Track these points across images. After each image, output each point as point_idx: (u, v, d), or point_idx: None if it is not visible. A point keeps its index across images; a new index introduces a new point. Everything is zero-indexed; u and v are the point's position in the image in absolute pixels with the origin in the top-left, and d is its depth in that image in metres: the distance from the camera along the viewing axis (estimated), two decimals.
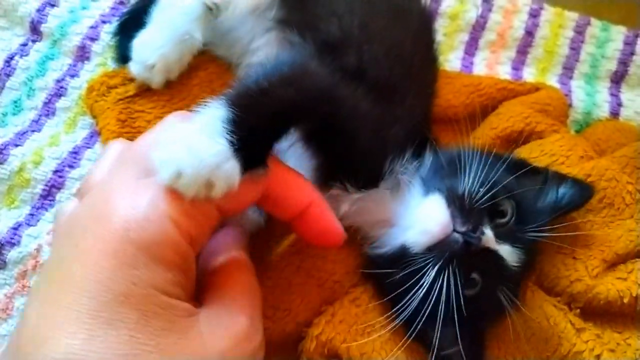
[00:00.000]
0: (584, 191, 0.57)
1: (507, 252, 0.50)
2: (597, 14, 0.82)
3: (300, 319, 0.59)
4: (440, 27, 0.80)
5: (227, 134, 0.40)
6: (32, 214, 0.66)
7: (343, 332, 0.56)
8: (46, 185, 0.68)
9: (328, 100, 0.50)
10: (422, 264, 0.49)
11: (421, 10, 0.69)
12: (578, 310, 0.55)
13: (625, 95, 0.78)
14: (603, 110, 0.76)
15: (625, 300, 0.55)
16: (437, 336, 0.50)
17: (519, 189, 0.53)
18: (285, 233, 0.64)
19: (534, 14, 0.81)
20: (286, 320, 0.58)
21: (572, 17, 0.81)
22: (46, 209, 0.67)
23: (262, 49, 0.66)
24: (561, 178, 0.57)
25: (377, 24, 0.62)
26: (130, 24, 0.70)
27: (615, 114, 0.77)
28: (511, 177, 0.53)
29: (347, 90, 0.53)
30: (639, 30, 0.80)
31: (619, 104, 0.77)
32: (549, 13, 0.81)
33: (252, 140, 0.41)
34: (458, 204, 0.50)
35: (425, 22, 0.70)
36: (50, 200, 0.67)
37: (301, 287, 0.60)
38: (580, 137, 0.72)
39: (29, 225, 0.66)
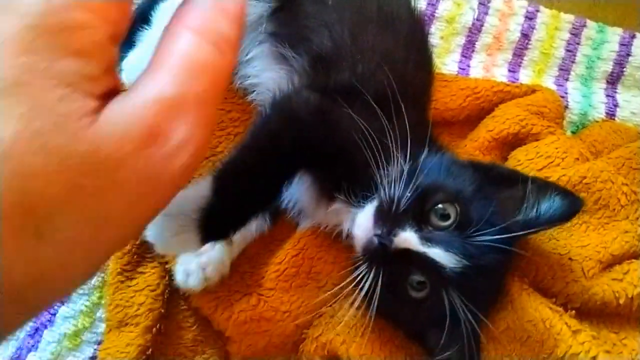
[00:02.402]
0: (570, 205, 0.53)
1: (439, 255, 0.50)
2: (593, 16, 0.82)
3: (300, 321, 0.60)
4: (437, 30, 0.81)
5: (203, 222, 0.48)
6: None
7: (343, 334, 0.57)
8: None
9: (322, 129, 0.55)
10: (359, 263, 0.53)
11: (412, 14, 0.69)
12: (574, 312, 0.55)
13: (622, 96, 0.79)
14: (599, 112, 0.77)
15: (621, 301, 0.55)
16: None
17: (480, 197, 0.54)
18: (285, 237, 0.65)
19: (530, 17, 0.82)
20: (286, 322, 0.59)
21: (568, 19, 0.82)
22: None
23: (256, 60, 0.67)
24: (545, 190, 0.54)
25: (368, 32, 0.63)
26: (129, 32, 0.71)
27: (611, 114, 0.77)
28: (464, 185, 0.54)
29: (342, 112, 0.55)
30: (635, 32, 0.81)
31: (615, 105, 0.78)
32: (545, 15, 0.82)
33: (227, 219, 0.51)
34: (384, 209, 0.53)
35: (416, 26, 0.70)
36: None
37: (301, 289, 0.61)
38: (576, 139, 0.73)
39: None
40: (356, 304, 0.55)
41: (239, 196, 0.51)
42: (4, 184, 0.26)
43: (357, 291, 0.54)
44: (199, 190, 0.49)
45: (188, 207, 0.49)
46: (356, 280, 0.53)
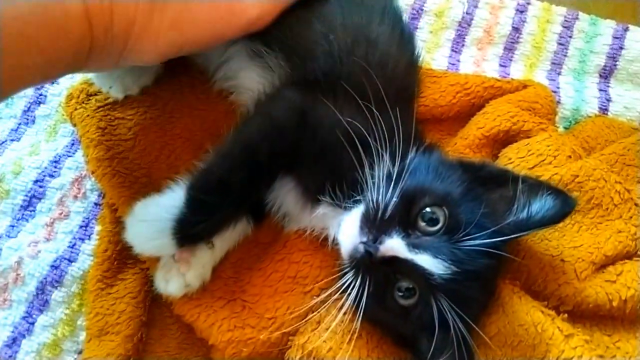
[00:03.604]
0: (562, 205, 0.51)
1: (427, 262, 0.49)
2: (585, 8, 0.81)
3: (286, 328, 0.58)
4: (426, 24, 0.79)
5: (177, 230, 0.52)
6: (12, 226, 0.66)
7: (329, 340, 0.55)
8: (26, 196, 0.67)
9: (304, 132, 0.54)
10: (346, 271, 0.52)
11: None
12: (566, 315, 0.53)
13: (614, 90, 0.77)
14: (592, 106, 0.75)
15: (615, 304, 0.54)
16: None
17: (469, 199, 0.52)
18: (271, 241, 0.63)
19: (521, 10, 0.80)
20: (271, 329, 0.57)
21: (559, 11, 0.80)
22: (27, 220, 0.66)
23: (232, 60, 0.65)
24: (536, 190, 0.52)
25: (337, 11, 0.61)
26: None
27: (604, 109, 0.75)
28: (452, 186, 0.53)
29: (325, 110, 0.54)
30: (628, 24, 0.79)
31: (608, 100, 0.76)
32: (536, 8, 0.80)
33: (200, 228, 0.53)
34: (369, 215, 0.52)
35: (394, 13, 0.66)
36: (30, 211, 0.66)
37: (287, 295, 0.60)
38: (568, 135, 0.71)
39: (9, 237, 0.65)
40: (343, 310, 0.54)
41: (210, 208, 0.53)
42: None
43: (344, 298, 0.53)
44: (174, 199, 0.53)
45: (163, 215, 0.52)
46: (343, 288, 0.52)
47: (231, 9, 0.54)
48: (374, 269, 0.50)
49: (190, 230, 0.53)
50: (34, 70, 0.44)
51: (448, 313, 0.48)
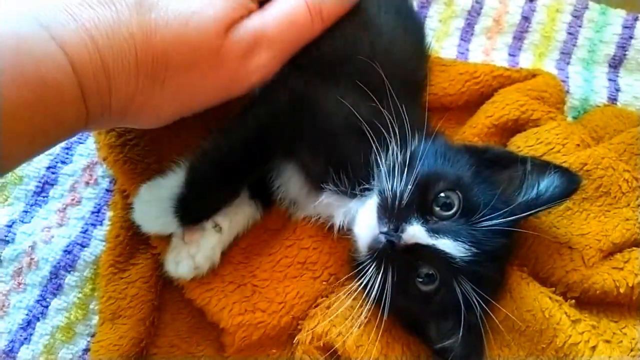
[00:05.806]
0: (569, 183, 0.53)
1: (448, 246, 0.49)
2: None
3: (296, 312, 0.59)
4: (435, 13, 0.79)
5: (178, 209, 0.55)
6: (26, 211, 0.66)
7: (339, 325, 0.56)
8: (39, 182, 0.67)
9: (305, 120, 0.55)
10: (366, 263, 0.52)
11: None
12: (573, 301, 0.54)
13: (624, 80, 0.77)
14: (601, 96, 0.75)
15: (622, 290, 0.54)
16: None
17: (479, 181, 0.53)
18: (281, 227, 0.64)
19: None
20: (281, 313, 0.59)
21: (569, 1, 0.80)
22: (40, 206, 0.67)
23: None
24: (543, 169, 0.53)
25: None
26: None
27: (613, 99, 0.75)
28: (462, 170, 0.54)
29: (328, 97, 0.55)
30: (638, 14, 0.79)
31: (617, 89, 0.76)
32: None
33: (199, 206, 0.57)
34: (387, 204, 0.52)
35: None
36: (43, 197, 0.67)
37: (296, 280, 0.60)
38: (577, 124, 0.71)
39: (23, 222, 0.66)
40: (353, 295, 0.54)
41: (207, 188, 0.56)
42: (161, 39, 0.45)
43: (365, 294, 0.53)
44: (175, 180, 0.55)
45: (165, 195, 0.55)
46: (363, 283, 0.52)
47: (235, 77, 0.51)
48: (395, 258, 0.51)
49: (190, 208, 0.56)
50: (26, 149, 0.42)
51: (470, 294, 0.49)
